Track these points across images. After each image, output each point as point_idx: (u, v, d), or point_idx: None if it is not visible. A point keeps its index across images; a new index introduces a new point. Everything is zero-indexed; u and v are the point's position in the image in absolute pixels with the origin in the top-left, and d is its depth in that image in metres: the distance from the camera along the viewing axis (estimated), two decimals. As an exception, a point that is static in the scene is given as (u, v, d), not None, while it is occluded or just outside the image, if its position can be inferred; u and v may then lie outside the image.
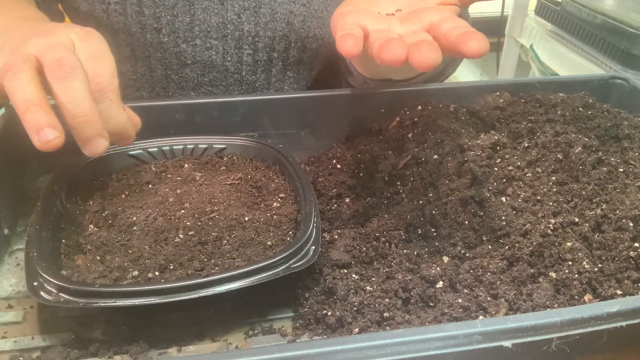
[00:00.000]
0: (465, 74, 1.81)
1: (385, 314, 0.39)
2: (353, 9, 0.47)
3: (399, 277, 0.41)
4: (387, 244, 0.45)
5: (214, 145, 0.56)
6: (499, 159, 0.52)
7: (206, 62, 0.65)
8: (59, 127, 0.37)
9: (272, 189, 0.51)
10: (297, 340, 0.40)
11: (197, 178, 0.53)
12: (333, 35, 0.44)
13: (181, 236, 0.45)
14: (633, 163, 0.51)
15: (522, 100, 0.61)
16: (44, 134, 0.36)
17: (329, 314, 0.40)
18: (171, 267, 0.42)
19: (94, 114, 0.39)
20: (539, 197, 0.48)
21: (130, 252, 0.43)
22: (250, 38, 0.65)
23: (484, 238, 0.45)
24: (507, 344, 0.32)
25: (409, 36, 0.41)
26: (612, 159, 0.51)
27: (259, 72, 0.67)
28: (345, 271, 0.43)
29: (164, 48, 0.64)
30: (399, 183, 0.50)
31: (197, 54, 0.65)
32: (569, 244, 0.42)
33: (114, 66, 0.43)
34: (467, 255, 0.44)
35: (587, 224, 0.44)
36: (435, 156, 0.52)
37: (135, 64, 0.66)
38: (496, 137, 0.54)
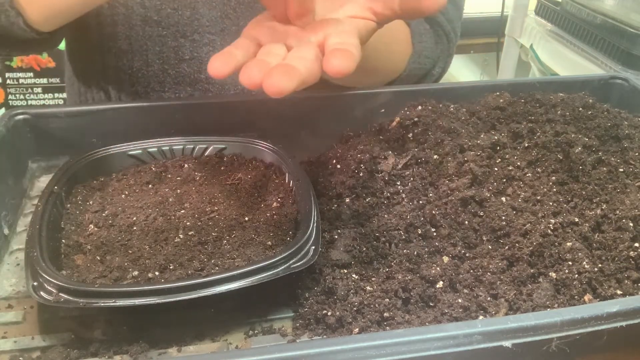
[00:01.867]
0: (465, 74, 1.81)
1: (385, 314, 0.39)
2: (260, 19, 0.46)
3: (399, 277, 0.41)
4: (387, 244, 0.45)
5: (214, 145, 0.56)
6: (499, 159, 0.52)
7: (203, 58, 0.65)
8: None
9: (272, 189, 0.51)
10: (297, 340, 0.40)
11: (197, 178, 0.53)
12: None
13: (181, 236, 0.45)
14: (633, 163, 0.51)
15: (522, 100, 0.61)
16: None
17: (329, 314, 0.40)
18: (171, 267, 0.42)
19: None
20: (539, 197, 0.48)
21: (130, 252, 0.43)
22: None
23: (484, 238, 0.45)
24: (507, 344, 0.32)
25: (294, 52, 0.41)
26: (612, 159, 0.51)
27: None
28: (345, 271, 0.43)
29: (162, 42, 0.64)
30: (399, 183, 0.50)
31: (195, 49, 0.65)
32: (569, 244, 0.42)
33: None
34: (467, 255, 0.44)
35: (587, 224, 0.44)
36: (435, 156, 0.52)
37: (131, 58, 0.66)
38: (496, 137, 0.54)
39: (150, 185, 0.52)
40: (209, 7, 0.63)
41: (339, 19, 0.45)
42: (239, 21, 0.64)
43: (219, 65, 0.39)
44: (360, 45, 0.43)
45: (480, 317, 0.39)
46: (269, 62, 0.39)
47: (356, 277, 0.43)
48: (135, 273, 0.41)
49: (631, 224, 0.44)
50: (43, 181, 0.56)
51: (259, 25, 0.46)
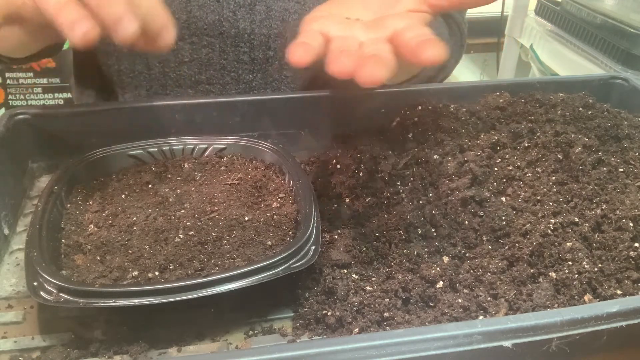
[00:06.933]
0: (465, 74, 1.81)
1: (385, 314, 0.39)
2: (322, 15, 0.46)
3: (399, 277, 0.41)
4: (387, 244, 0.45)
5: (214, 145, 0.56)
6: (499, 159, 0.52)
7: (203, 60, 0.65)
8: (92, 20, 0.38)
9: (272, 189, 0.51)
10: (297, 340, 0.40)
11: (197, 178, 0.53)
12: None
13: (181, 236, 0.45)
14: (633, 163, 0.51)
15: (522, 100, 0.61)
16: (79, 26, 0.37)
17: (329, 314, 0.40)
18: (171, 267, 0.42)
19: None
20: (539, 197, 0.48)
21: (130, 252, 0.43)
22: (246, 36, 0.65)
23: (484, 238, 0.45)
24: (507, 344, 0.32)
25: (369, 45, 0.41)
26: (612, 159, 0.51)
27: (255, 70, 0.67)
28: (345, 271, 0.43)
29: None
30: (399, 183, 0.50)
31: (194, 51, 0.65)
32: (569, 244, 0.42)
33: None
34: (467, 255, 0.44)
35: (587, 224, 0.44)
36: (435, 156, 0.52)
37: (133, 62, 0.66)
38: (496, 137, 0.54)
39: (150, 185, 0.52)
40: (205, 11, 0.63)
41: (401, 14, 0.45)
42: (238, 24, 0.64)
43: (301, 54, 0.38)
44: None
45: (480, 317, 0.39)
46: (355, 52, 0.39)
47: (356, 277, 0.43)
48: (135, 273, 0.41)
49: (631, 224, 0.44)
50: (43, 181, 0.56)
51: (324, 19, 0.45)
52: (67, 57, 1.35)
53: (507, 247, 0.43)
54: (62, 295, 0.37)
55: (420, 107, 0.58)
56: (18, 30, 0.47)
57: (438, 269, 0.42)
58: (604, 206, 0.46)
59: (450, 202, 0.47)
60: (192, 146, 0.56)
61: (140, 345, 0.38)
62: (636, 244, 0.42)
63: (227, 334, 0.40)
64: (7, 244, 0.48)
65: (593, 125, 0.56)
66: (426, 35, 0.39)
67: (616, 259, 0.42)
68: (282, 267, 0.40)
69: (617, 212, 0.45)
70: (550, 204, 0.47)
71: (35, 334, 0.40)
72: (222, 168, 0.54)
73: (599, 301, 0.39)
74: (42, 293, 0.38)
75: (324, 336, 0.40)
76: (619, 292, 0.40)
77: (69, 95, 1.56)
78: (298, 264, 0.40)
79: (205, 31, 0.64)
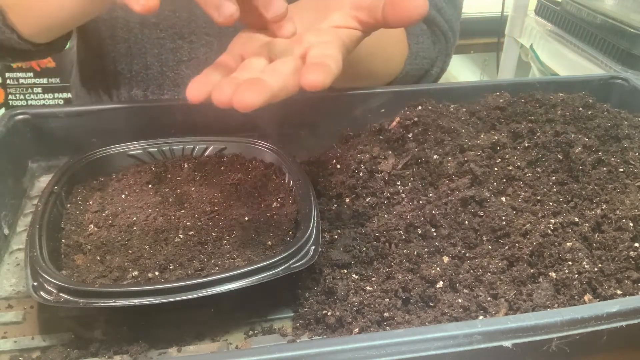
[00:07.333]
0: (465, 74, 1.81)
1: (385, 314, 0.39)
2: (245, 32, 0.46)
3: (399, 277, 0.41)
4: (387, 244, 0.45)
5: (214, 145, 0.56)
6: (499, 159, 0.52)
7: (202, 59, 0.65)
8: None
9: (272, 189, 0.51)
10: (297, 340, 0.40)
11: (197, 178, 0.53)
12: None
13: (181, 236, 0.45)
14: (633, 163, 0.51)
15: (522, 100, 0.61)
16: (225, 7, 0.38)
17: (329, 314, 0.40)
18: (171, 267, 0.42)
19: None
20: (539, 197, 0.48)
21: (130, 252, 0.43)
22: None
23: (484, 238, 0.45)
24: (507, 344, 0.32)
25: (268, 68, 0.41)
26: (612, 159, 0.51)
27: None
28: (345, 271, 0.43)
29: (160, 44, 0.64)
30: (399, 183, 0.50)
31: (193, 50, 0.65)
32: (569, 244, 0.42)
33: None
34: (467, 255, 0.44)
35: (587, 224, 0.44)
36: (435, 156, 0.52)
37: (130, 62, 0.66)
38: (496, 137, 0.54)
39: (150, 185, 0.52)
40: None
41: (324, 29, 0.45)
42: (236, 23, 0.64)
43: (195, 90, 0.38)
44: (341, 56, 0.42)
45: (480, 317, 0.39)
46: (240, 79, 0.39)
47: (356, 277, 0.43)
48: (135, 273, 0.41)
49: (631, 224, 0.44)
50: (43, 181, 0.56)
51: (244, 39, 0.45)
52: (67, 57, 1.35)
53: (507, 247, 0.43)
54: (62, 295, 0.37)
55: (420, 107, 0.58)
56: None
57: (438, 269, 0.42)
58: (604, 206, 0.46)
59: (450, 202, 0.47)
60: (192, 146, 0.56)
61: (140, 345, 0.38)
62: (636, 244, 0.42)
63: (227, 334, 0.40)
64: (7, 244, 0.48)
65: (593, 125, 0.56)
66: (324, 57, 0.39)
67: (616, 259, 0.42)
68: (282, 267, 0.40)
69: (617, 212, 0.45)
70: (550, 204, 0.47)
71: (35, 334, 0.40)
72: (222, 168, 0.54)
73: (599, 301, 0.39)
74: (42, 293, 0.38)
75: (324, 336, 0.40)
76: (619, 292, 0.40)
77: (69, 95, 1.56)
78: (298, 264, 0.40)
79: (204, 30, 0.64)
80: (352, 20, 0.46)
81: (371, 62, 0.60)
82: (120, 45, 0.65)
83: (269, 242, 0.45)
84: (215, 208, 0.48)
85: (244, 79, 0.38)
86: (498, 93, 0.62)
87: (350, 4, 0.46)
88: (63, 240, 0.45)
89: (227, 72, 0.41)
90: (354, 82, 0.62)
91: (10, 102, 1.59)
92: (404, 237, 0.45)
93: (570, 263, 0.41)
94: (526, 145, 0.54)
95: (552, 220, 0.45)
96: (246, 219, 0.47)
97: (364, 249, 0.45)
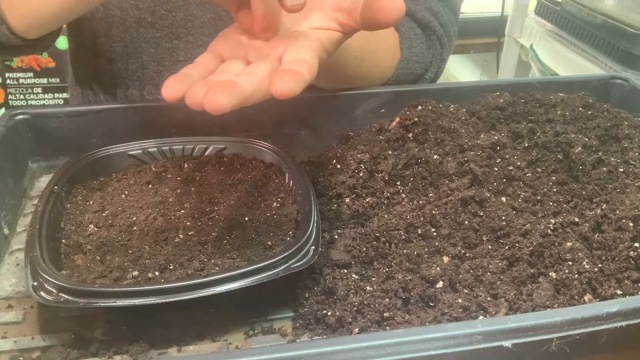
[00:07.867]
0: (465, 74, 1.81)
1: (385, 314, 0.39)
2: (228, 32, 0.46)
3: (399, 277, 0.41)
4: (387, 244, 0.45)
5: (214, 145, 0.56)
6: (499, 159, 0.52)
7: None
8: None
9: (272, 189, 0.51)
10: (297, 340, 0.40)
11: (197, 178, 0.53)
12: None
13: (181, 236, 0.45)
14: (633, 163, 0.51)
15: (522, 100, 0.61)
16: None
17: (329, 314, 0.40)
18: (171, 267, 0.42)
19: None
20: (539, 197, 0.48)
21: (130, 252, 0.43)
22: None
23: (484, 238, 0.45)
24: (507, 344, 0.32)
25: (243, 71, 0.41)
26: (612, 159, 0.51)
27: None
28: (345, 271, 0.43)
29: (156, 43, 0.64)
30: (399, 183, 0.50)
31: (189, 50, 0.65)
32: (569, 244, 0.42)
33: None
34: (467, 255, 0.44)
35: (587, 224, 0.44)
36: (435, 156, 0.52)
37: (126, 61, 0.66)
38: (496, 137, 0.54)
39: (150, 185, 0.52)
40: (203, 9, 0.63)
41: (303, 32, 0.44)
42: (232, 22, 0.64)
43: (171, 88, 0.38)
44: (317, 59, 0.42)
45: (480, 317, 0.39)
46: (215, 81, 0.38)
47: (356, 277, 0.43)
48: (135, 273, 0.41)
49: (631, 224, 0.44)
50: (43, 181, 0.56)
51: (225, 39, 0.45)
52: (66, 57, 1.35)
53: (507, 247, 0.43)
54: (62, 295, 0.37)
55: (420, 107, 0.58)
56: None
57: (438, 269, 0.42)
58: (604, 206, 0.46)
59: (450, 202, 0.47)
60: (192, 146, 0.56)
61: (140, 345, 0.38)
62: (636, 244, 0.42)
63: (227, 334, 0.40)
64: (7, 244, 0.48)
65: (593, 125, 0.56)
66: (298, 62, 0.39)
67: (616, 259, 0.42)
68: (282, 267, 0.40)
69: (617, 212, 0.45)
70: (550, 204, 0.47)
71: (35, 334, 0.40)
72: (222, 168, 0.54)
73: (599, 301, 0.39)
74: (42, 293, 0.38)
75: (324, 336, 0.40)
76: (619, 292, 0.40)
77: (69, 95, 1.56)
78: (298, 264, 0.40)
79: (200, 30, 0.64)
80: (331, 21, 0.45)
81: (359, 65, 0.60)
82: (115, 44, 0.64)
83: (269, 242, 0.45)
84: (215, 208, 0.48)
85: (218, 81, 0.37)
86: (498, 93, 0.62)
87: (331, 6, 0.45)
88: (63, 240, 0.45)
89: (205, 72, 0.41)
90: (343, 84, 0.61)
91: (10, 102, 1.59)
92: (404, 237, 0.45)
93: (570, 263, 0.41)
94: (526, 145, 0.54)
95: (552, 220, 0.45)
96: (246, 219, 0.47)
97: (364, 249, 0.45)
